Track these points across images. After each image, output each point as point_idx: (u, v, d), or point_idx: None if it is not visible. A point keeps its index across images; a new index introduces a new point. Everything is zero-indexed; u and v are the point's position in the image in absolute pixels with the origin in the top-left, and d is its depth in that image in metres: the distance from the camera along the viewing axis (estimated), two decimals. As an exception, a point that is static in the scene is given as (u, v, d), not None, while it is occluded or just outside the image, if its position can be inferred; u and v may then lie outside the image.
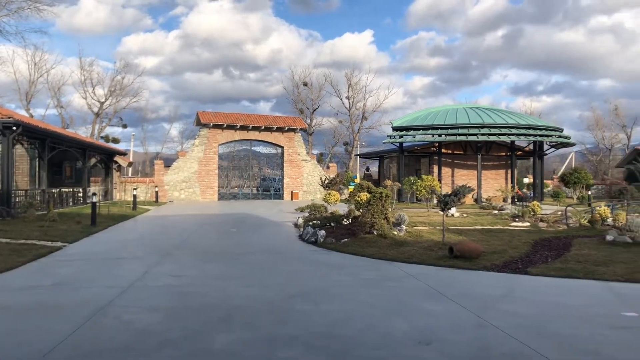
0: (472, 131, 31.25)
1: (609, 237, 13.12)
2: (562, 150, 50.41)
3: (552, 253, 11.94)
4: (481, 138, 31.32)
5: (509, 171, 37.05)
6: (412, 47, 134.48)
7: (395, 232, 13.92)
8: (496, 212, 23.68)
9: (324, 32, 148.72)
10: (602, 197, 38.98)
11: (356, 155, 57.79)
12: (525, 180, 39.54)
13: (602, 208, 16.45)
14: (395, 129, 32.92)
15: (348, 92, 63.36)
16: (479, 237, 14.53)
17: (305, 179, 37.81)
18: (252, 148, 37.83)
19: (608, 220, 16.44)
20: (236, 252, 11.92)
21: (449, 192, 12.36)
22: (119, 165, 35.85)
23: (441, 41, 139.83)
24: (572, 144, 36.45)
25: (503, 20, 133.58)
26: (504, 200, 35.14)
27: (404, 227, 14.76)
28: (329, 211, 19.23)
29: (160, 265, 10.12)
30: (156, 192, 33.27)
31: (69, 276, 8.96)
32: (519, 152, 38.18)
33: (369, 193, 19.34)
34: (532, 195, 37.19)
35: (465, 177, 35.55)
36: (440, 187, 27.08)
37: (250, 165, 37.85)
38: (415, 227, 16.35)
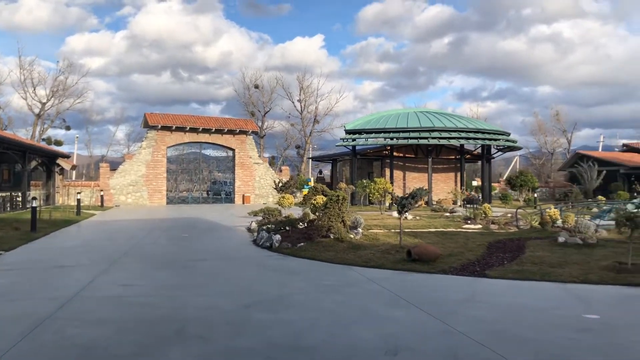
0: (423, 135, 31.55)
1: (561, 239, 13.31)
2: (507, 154, 51.57)
3: (507, 255, 11.99)
4: (432, 141, 31.66)
5: (459, 174, 37.65)
6: (361, 52, 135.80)
7: (352, 236, 13.72)
8: (448, 214, 23.89)
9: (275, 36, 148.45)
10: (547, 200, 40.13)
11: (309, 158, 57.60)
12: (474, 183, 40.27)
13: (552, 210, 16.76)
14: (348, 132, 32.90)
15: (300, 95, 63.13)
16: (434, 239, 14.51)
17: (257, 183, 37.28)
18: (202, 151, 37.03)
19: (558, 222, 16.76)
20: (188, 259, 11.43)
21: (406, 195, 12.25)
22: (62, 169, 34.40)
23: (390, 47, 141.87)
24: (519, 148, 37.39)
25: (449, 27, 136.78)
26: (454, 202, 35.65)
27: (360, 230, 14.59)
28: (283, 215, 18.89)
29: (108, 273, 9.54)
30: (101, 197, 32.07)
31: (5, 287, 8.31)
32: (468, 156, 38.86)
33: (325, 196, 19.15)
34: (480, 198, 37.90)
35: (416, 180, 35.89)
36: (393, 190, 27.16)
37: (200, 169, 37.03)
38: (371, 230, 16.21)
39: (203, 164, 37.24)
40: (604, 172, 42.77)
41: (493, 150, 36.92)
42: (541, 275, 9.52)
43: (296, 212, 19.65)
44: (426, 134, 31.53)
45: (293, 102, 63.44)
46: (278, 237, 13.32)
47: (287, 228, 14.48)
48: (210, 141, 36.31)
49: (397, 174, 34.96)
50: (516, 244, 13.73)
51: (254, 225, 17.87)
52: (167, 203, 34.87)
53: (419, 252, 10.77)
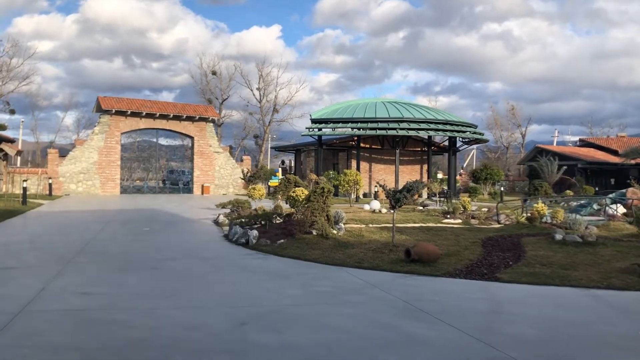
0: (392, 125, 30.60)
1: (558, 236, 12.48)
2: (463, 148, 51.31)
3: (507, 254, 11.04)
4: (401, 132, 30.75)
5: (424, 167, 36.98)
6: (318, 44, 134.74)
7: (335, 232, 12.52)
8: (421, 208, 22.98)
9: (231, 24, 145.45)
10: (510, 193, 39.96)
11: (272, 148, 56.02)
12: (439, 176, 39.77)
13: (539, 205, 16.01)
14: (314, 121, 31.63)
15: (259, 83, 61.24)
16: (421, 236, 13.47)
17: (218, 172, 35.57)
18: (159, 138, 35.05)
19: (546, 217, 16.02)
20: (155, 258, 9.97)
21: (400, 187, 11.13)
22: (6, 154, 31.83)
23: (346, 40, 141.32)
24: (486, 140, 37.03)
25: (404, 22, 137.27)
26: (419, 195, 34.95)
27: (342, 225, 13.40)
28: (253, 207, 17.53)
29: (62, 277, 8.02)
30: (50, 185, 29.80)
31: None
32: (434, 148, 38.22)
33: (297, 187, 17.86)
34: (445, 191, 37.35)
35: (382, 172, 35.00)
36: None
37: (156, 157, 35.07)
38: (348, 225, 15.06)
39: (160, 152, 35.29)
40: (565, 166, 43.06)
41: (459, 143, 36.39)
42: (558, 279, 8.56)
43: (267, 205, 18.32)
44: (395, 125, 30.58)
45: (252, 91, 61.56)
46: (255, 232, 11.98)
47: (263, 222, 13.15)
48: (167, 128, 34.37)
49: (363, 165, 33.93)
50: (511, 241, 12.82)
51: (222, 219, 16.45)
52: (121, 192, 32.82)
53: (418, 252, 9.67)
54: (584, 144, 57.67)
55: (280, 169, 20.64)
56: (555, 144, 70.44)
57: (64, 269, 8.62)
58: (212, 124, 36.15)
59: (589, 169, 47.16)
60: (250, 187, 18.12)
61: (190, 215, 19.11)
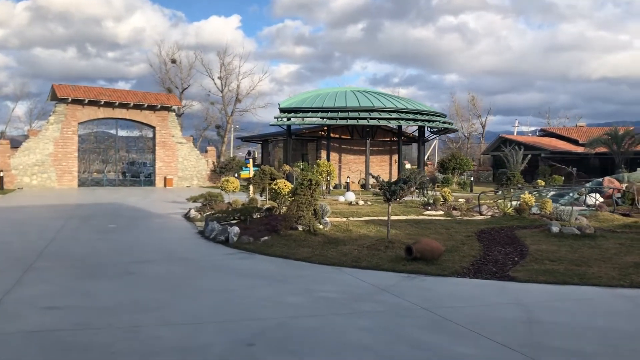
0: (363, 115, 29.80)
1: (555, 229, 11.89)
2: (432, 138, 51.15)
3: (508, 249, 10.37)
4: (372, 122, 30.03)
5: (394, 157, 36.38)
6: (278, 34, 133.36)
7: (321, 227, 11.61)
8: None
9: (190, 13, 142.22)
10: (475, 183, 39.78)
11: (238, 138, 54.50)
12: (407, 166, 39.29)
13: (527, 196, 15.47)
14: (282, 110, 30.55)
15: (221, 72, 59.52)
16: (411, 230, 12.72)
17: (181, 164, 34.06)
18: (119, 128, 33.31)
19: (534, 208, 15.51)
20: (129, 261, 8.85)
21: (396, 179, 10.27)
22: (-50, 146, 29.62)
23: (306, 31, 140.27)
24: (455, 130, 36.83)
25: (363, 14, 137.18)
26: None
27: (327, 219, 12.50)
28: (226, 201, 16.44)
29: (22, 288, 6.86)
30: (1, 178, 27.86)
31: None
32: (403, 138, 37.68)
33: (272, 179, 16.87)
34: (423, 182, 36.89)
35: (352, 162, 34.24)
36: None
37: (116, 148, 33.35)
38: (329, 218, 14.18)
39: (120, 143, 33.58)
40: (529, 156, 43.25)
41: (427, 133, 35.93)
42: (575, 277, 7.89)
43: (240, 198, 17.26)
44: (366, 114, 29.80)
45: (213, 80, 59.80)
46: (236, 229, 10.95)
47: (242, 218, 12.13)
48: (127, 117, 32.63)
49: (333, 156, 33.02)
50: (505, 234, 12.20)
51: (193, 214, 15.33)
52: (79, 185, 31.02)
53: (421, 250, 8.86)
54: (545, 133, 58.29)
55: (250, 160, 19.65)
56: (515, 134, 71.22)
57: (23, 277, 7.44)
58: (174, 113, 34.61)
59: (552, 159, 47.59)
60: (222, 179, 17.00)
61: (157, 209, 17.86)
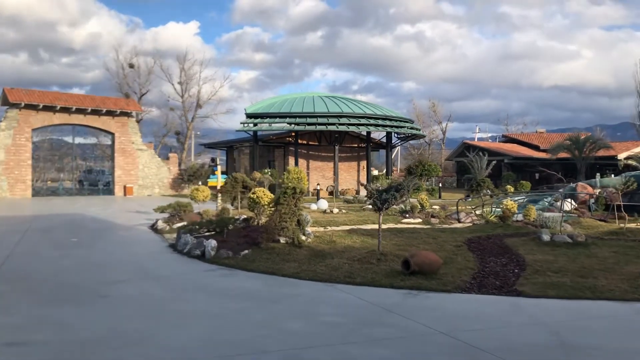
0: (332, 120, 29.20)
1: (545, 237, 11.50)
2: (400, 144, 51.11)
3: (502, 260, 9.89)
4: (341, 128, 29.46)
5: (361, 163, 35.93)
6: (237, 41, 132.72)
7: (304, 238, 10.89)
8: (370, 206, 21.70)
9: (147, 19, 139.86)
10: (443, 189, 39.70)
11: (201, 144, 53.03)
12: (375, 173, 38.88)
13: (509, 203, 15.12)
14: (249, 115, 29.67)
15: (181, 77, 58.09)
16: (396, 240, 12.13)
17: (142, 172, 32.70)
18: (76, 134, 31.77)
19: (517, 215, 15.17)
20: (98, 281, 7.93)
21: (386, 187, 9.64)
22: None
23: (265, 38, 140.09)
24: (422, 136, 36.65)
25: (322, 22, 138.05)
26: (357, 193, 33.92)
27: (309, 230, 11.78)
28: (196, 211, 15.54)
29: (-25, 318, 5.91)
30: (-53, 188, 26.05)
31: None
32: (371, 144, 37.29)
33: (244, 188, 16.07)
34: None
35: (319, 169, 33.63)
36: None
37: (73, 155, 31.79)
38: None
39: (77, 150, 32.03)
40: (494, 162, 43.54)
41: (394, 139, 35.63)
42: (587, 290, 7.43)
43: (211, 208, 16.38)
44: (335, 120, 29.22)
45: (173, 85, 58.30)
46: (213, 242, 10.12)
47: (218, 230, 11.29)
48: (85, 123, 31.15)
49: (301, 162, 32.32)
50: (495, 243, 11.74)
51: (161, 225, 14.37)
52: (33, 195, 29.36)
53: (419, 263, 8.25)
54: (506, 139, 59.05)
55: (218, 168, 18.79)
56: (476, 140, 72.03)
57: (-22, 304, 6.47)
58: (134, 119, 33.28)
59: (514, 164, 48.14)
60: (192, 187, 16.06)
61: (121, 220, 16.78)
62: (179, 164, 44.73)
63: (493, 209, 16.73)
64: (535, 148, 52.19)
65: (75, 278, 8.13)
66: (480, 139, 72.94)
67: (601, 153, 40.66)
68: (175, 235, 12.99)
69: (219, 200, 17.70)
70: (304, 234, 10.76)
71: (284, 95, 34.29)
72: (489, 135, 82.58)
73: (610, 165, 42.59)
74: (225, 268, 9.11)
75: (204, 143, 50.32)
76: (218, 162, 42.38)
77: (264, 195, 11.46)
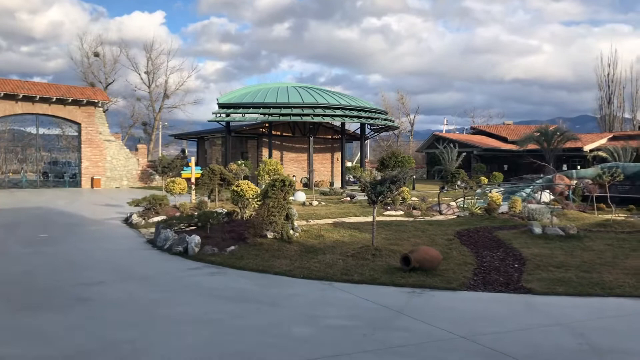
0: (306, 111, 28.65)
1: (537, 230, 11.25)
2: (373, 135, 50.84)
3: (499, 254, 9.59)
4: (316, 119, 28.95)
5: (335, 154, 35.51)
6: (203, 31, 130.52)
7: (293, 233, 10.39)
8: (348, 198, 21.31)
9: (111, 8, 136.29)
10: (417, 181, 39.64)
11: (171, 135, 51.72)
12: (348, 164, 38.53)
13: (495, 195, 14.88)
14: (221, 105, 28.88)
15: (147, 66, 56.64)
16: (386, 234, 11.70)
17: (109, 163, 31.59)
18: (40, 125, 30.46)
19: (502, 207, 14.95)
20: (76, 283, 7.27)
21: (381, 178, 9.19)
22: None
23: (232, 28, 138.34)
24: (396, 127, 36.46)
25: (289, 13, 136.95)
26: (331, 184, 33.54)
27: (297, 224, 11.27)
28: (172, 204, 14.86)
29: (-60, 328, 5.23)
30: None
31: None
32: (345, 135, 36.89)
33: (222, 180, 15.47)
34: (355, 181, 36.25)
35: (293, 161, 33.09)
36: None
37: (37, 146, 30.51)
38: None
39: (41, 140, 30.74)
40: (464, 153, 43.69)
41: (367, 130, 35.30)
42: (595, 286, 7.16)
43: (187, 201, 15.72)
44: (310, 111, 28.68)
45: (140, 75, 56.84)
46: (197, 238, 9.53)
47: (200, 224, 10.70)
48: (50, 113, 29.88)
49: (275, 153, 31.72)
50: (486, 236, 11.45)
51: (136, 219, 13.68)
52: (-6, 188, 28.08)
53: (420, 259, 7.85)
54: (475, 131, 59.44)
55: (192, 159, 18.09)
56: (444, 131, 72.44)
57: (-58, 311, 5.78)
58: (101, 109, 32.11)
59: (483, 156, 48.48)
60: (168, 179, 15.35)
61: (92, 214, 15.96)
62: (148, 155, 43.62)
63: (477, 200, 16.51)
64: (503, 140, 52.63)
65: (49, 279, 7.46)
66: (447, 131, 73.47)
67: (568, 145, 41.19)
68: (151, 229, 12.36)
69: (193, 193, 17.04)
70: (292, 229, 10.25)
71: (257, 85, 33.58)
72: (454, 127, 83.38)
73: (576, 157, 43.27)
74: (211, 266, 8.55)
75: (174, 134, 49.09)
76: (187, 154, 41.50)
77: (249, 188, 10.90)
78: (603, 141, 43.41)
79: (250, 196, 10.96)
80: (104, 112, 50.19)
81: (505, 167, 47.15)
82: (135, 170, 32.18)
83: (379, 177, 9.29)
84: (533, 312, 6.07)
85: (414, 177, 34.53)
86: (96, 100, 31.06)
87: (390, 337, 5.13)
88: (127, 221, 13.95)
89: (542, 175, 34.08)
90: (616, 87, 57.85)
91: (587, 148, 41.97)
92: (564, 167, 40.87)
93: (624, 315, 5.98)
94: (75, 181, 31.36)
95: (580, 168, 34.14)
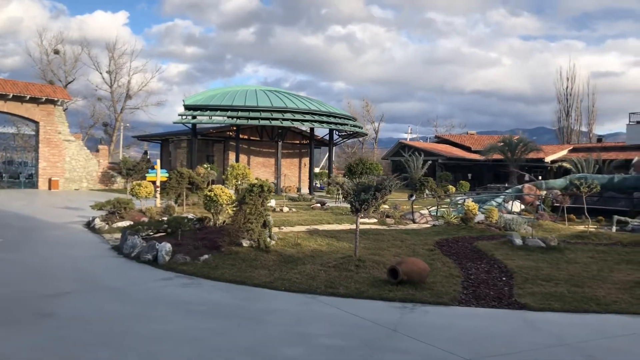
0: (275, 115, 28.19)
1: (518, 241, 11.06)
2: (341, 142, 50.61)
3: (484, 266, 9.32)
4: (285, 123, 28.51)
5: (303, 160, 35.11)
6: (167, 33, 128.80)
7: (270, 241, 9.89)
8: (319, 205, 20.90)
9: (72, 7, 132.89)
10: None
11: (134, 136, 50.29)
12: (316, 170, 38.17)
13: (471, 204, 14.68)
14: (187, 107, 28.15)
15: (110, 66, 55.15)
16: (364, 243, 11.29)
17: (68, 164, 30.36)
18: (-6, 122, 29.13)
19: (478, 217, 14.77)
20: (39, 294, 6.61)
21: (366, 186, 8.77)
22: None
23: (197, 31, 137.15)
24: (365, 134, 36.21)
25: (255, 18, 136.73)
26: (298, 190, 33.12)
27: (273, 232, 10.76)
28: (137, 207, 14.16)
29: None
30: None
31: None
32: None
33: (192, 184, 14.86)
34: (322, 187, 35.91)
35: (261, 165, 32.55)
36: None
37: (-10, 145, 29.12)
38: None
39: (-5, 139, 29.38)
40: (429, 162, 43.90)
41: (335, 136, 35.04)
42: (590, 302, 6.91)
43: (153, 205, 15.03)
44: (279, 115, 28.22)
45: (101, 74, 55.29)
46: (168, 246, 8.94)
47: (170, 231, 10.09)
48: (5, 110, 28.54)
49: (242, 157, 31.11)
50: (466, 247, 11.20)
51: (99, 223, 12.95)
52: (-57, 188, 26.58)
53: (408, 271, 7.48)
54: (440, 140, 59.96)
55: (158, 162, 17.37)
56: (408, 139, 72.92)
57: None
58: (61, 108, 30.87)
59: (447, 164, 48.87)
60: (134, 183, 14.62)
61: (50, 217, 15.08)
62: (109, 157, 42.28)
63: (451, 210, 16.32)
64: (467, 149, 53.22)
65: (6, 290, 6.77)
66: (411, 140, 74.02)
67: (531, 155, 41.80)
68: (116, 235, 11.69)
69: (159, 197, 16.35)
70: (270, 237, 9.75)
71: (224, 87, 32.93)
72: (417, 136, 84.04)
73: (538, 167, 43.96)
74: (184, 276, 7.99)
75: (137, 135, 47.78)
76: (149, 156, 40.38)
77: (223, 193, 10.36)
78: (564, 152, 44.26)
79: (225, 202, 10.42)
80: (64, 111, 48.60)
81: (469, 175, 47.56)
82: (95, 172, 31.06)
83: (349, 185, 8.88)
84: (534, 330, 5.75)
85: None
86: (56, 99, 29.84)
87: (390, 359, 4.72)
88: (90, 226, 13.21)
89: (506, 185, 34.52)
90: (574, 101, 59.45)
91: (548, 159, 42.69)
92: (526, 177, 41.43)
93: (627, 335, 5.72)
94: (31, 182, 30.06)
95: (542, 178, 34.65)
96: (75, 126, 59.71)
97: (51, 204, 19.42)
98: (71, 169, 30.55)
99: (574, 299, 7.00)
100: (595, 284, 7.90)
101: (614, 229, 14.53)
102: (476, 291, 7.48)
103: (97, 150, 33.70)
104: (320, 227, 14.13)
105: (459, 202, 19.10)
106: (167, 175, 16.86)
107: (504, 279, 8.30)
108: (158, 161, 19.03)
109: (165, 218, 11.35)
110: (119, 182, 31.46)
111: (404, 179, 42.90)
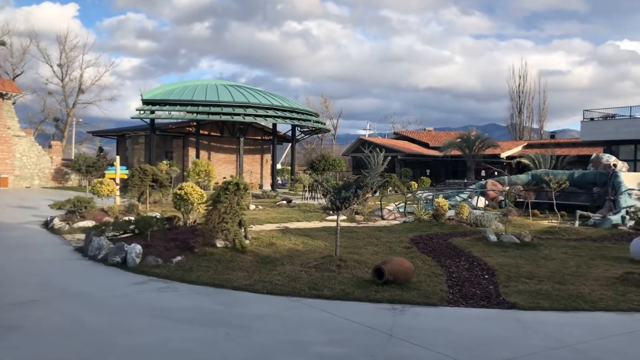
0: (237, 111, 27.63)
1: (492, 238, 11.02)
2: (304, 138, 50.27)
3: (463, 263, 9.20)
4: (247, 119, 27.98)
5: (265, 156, 34.64)
6: (119, 26, 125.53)
7: (246, 241, 9.51)
8: (284, 202, 20.57)
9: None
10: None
11: (89, 132, 48.54)
12: (279, 167, 37.71)
13: (442, 201, 14.63)
14: (145, 102, 27.26)
15: (61, 59, 53.14)
16: (340, 242, 11.03)
17: (19, 161, 29.02)
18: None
19: (449, 213, 14.73)
20: (1, 304, 6.07)
21: (346, 183, 8.51)
22: None
23: (150, 25, 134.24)
24: (327, 130, 36.00)
25: (209, 12, 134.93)
26: (260, 187, 32.67)
27: (247, 231, 10.36)
28: (99, 206, 13.50)
29: None
30: None
31: None
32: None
33: (154, 181, 14.31)
34: (284, 183, 35.56)
35: (222, 161, 31.86)
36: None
37: None
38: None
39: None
40: (390, 157, 44.01)
41: (297, 132, 34.72)
42: (578, 300, 6.84)
43: (114, 203, 14.38)
44: (241, 110, 27.67)
45: (52, 67, 53.24)
46: (138, 247, 8.45)
47: (138, 231, 9.59)
48: (-51, 104, 27.08)
49: (202, 154, 30.38)
50: (441, 243, 11.09)
51: (58, 223, 12.27)
52: None
53: (394, 271, 7.26)
54: (398, 136, 60.37)
55: (117, 158, 16.70)
56: (367, 136, 73.18)
57: None
58: (10, 102, 29.47)
59: (407, 160, 49.21)
60: (95, 180, 13.93)
61: (4, 217, 14.25)
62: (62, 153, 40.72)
63: (421, 206, 16.27)
64: (425, 145, 53.72)
65: (-36, 299, 6.20)
66: (370, 136, 74.32)
67: (489, 151, 42.49)
68: (77, 236, 11.13)
69: (118, 195, 15.68)
70: (246, 237, 9.38)
71: (184, 81, 32.16)
72: (375, 132, 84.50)
73: (495, 163, 44.74)
74: (158, 279, 7.55)
75: (92, 131, 46.17)
76: (105, 152, 39.11)
77: (194, 191, 9.91)
78: (519, 149, 45.19)
79: (196, 200, 9.98)
80: (12, 105, 46.55)
81: (428, 171, 48.02)
82: (48, 169, 29.81)
83: (329, 184, 8.61)
84: (530, 331, 5.60)
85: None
86: (4, 92, 28.46)
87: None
88: (48, 226, 12.51)
89: (465, 181, 34.96)
90: (526, 98, 60.82)
91: (504, 155, 43.52)
92: (482, 172, 42.09)
93: (621, 334, 5.63)
94: (-22, 180, 28.55)
95: (498, 175, 35.23)
96: (24, 121, 57.32)
97: (2, 203, 18.42)
98: (22, 166, 29.21)
99: (561, 297, 6.91)
100: (577, 280, 7.87)
101: (577, 223, 14.75)
102: (462, 290, 7.32)
103: (50, 147, 32.38)
104: (291, 225, 13.83)
105: (427, 198, 19.08)
106: (127, 172, 16.19)
107: (486, 277, 8.18)
108: (118, 157, 18.31)
109: (130, 218, 10.81)
110: (73, 179, 30.30)
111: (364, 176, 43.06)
